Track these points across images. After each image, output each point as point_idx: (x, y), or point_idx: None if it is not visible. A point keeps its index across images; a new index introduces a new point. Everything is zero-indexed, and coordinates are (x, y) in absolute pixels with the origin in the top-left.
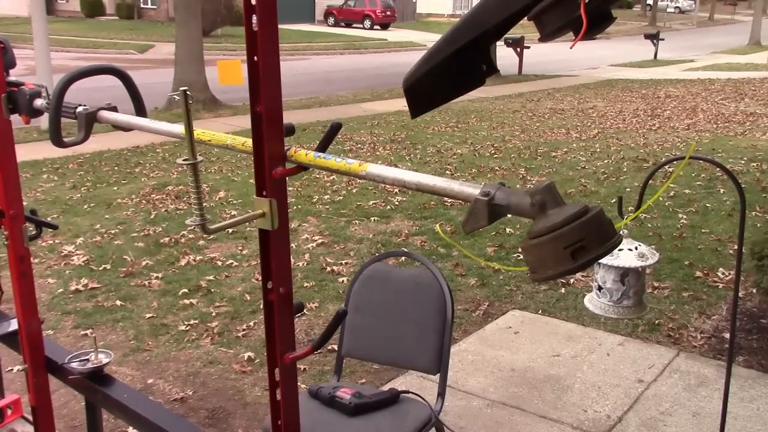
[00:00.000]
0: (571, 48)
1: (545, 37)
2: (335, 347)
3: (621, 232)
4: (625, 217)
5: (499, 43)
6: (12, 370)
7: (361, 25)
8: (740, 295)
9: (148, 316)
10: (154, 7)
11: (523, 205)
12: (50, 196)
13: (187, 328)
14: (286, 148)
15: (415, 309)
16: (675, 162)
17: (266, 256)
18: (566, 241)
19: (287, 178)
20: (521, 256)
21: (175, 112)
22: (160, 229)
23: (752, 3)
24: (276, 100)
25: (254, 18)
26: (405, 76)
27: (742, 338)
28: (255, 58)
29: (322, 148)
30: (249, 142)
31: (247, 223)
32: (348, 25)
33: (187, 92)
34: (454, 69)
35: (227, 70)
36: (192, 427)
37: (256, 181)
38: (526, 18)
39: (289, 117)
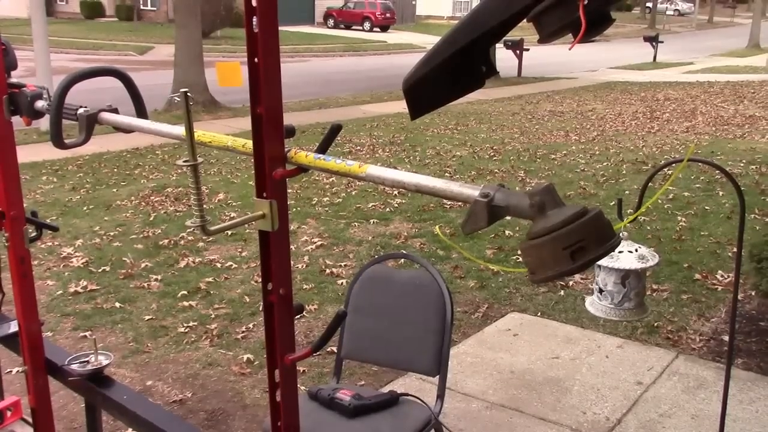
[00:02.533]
0: (570, 49)
1: (544, 39)
2: (335, 349)
3: (620, 234)
4: (624, 219)
5: (499, 45)
6: (11, 371)
7: (360, 27)
8: (739, 297)
9: (147, 318)
10: (154, 8)
11: (523, 206)
12: (50, 198)
13: (187, 330)
14: (286, 149)
15: (414, 311)
16: (674, 165)
17: (266, 257)
18: (565, 242)
19: (287, 180)
20: (520, 259)
21: (174, 113)
22: (160, 231)
23: (751, 5)
24: (276, 102)
25: (255, 20)
26: (404, 78)
27: (741, 340)
28: (255, 59)
29: (322, 149)
30: (249, 143)
31: (247, 225)
32: (348, 27)
33: (188, 94)
34: (454, 70)
35: (226, 72)
36: (191, 429)
37: (256, 183)
38: (525, 19)
39: (288, 119)
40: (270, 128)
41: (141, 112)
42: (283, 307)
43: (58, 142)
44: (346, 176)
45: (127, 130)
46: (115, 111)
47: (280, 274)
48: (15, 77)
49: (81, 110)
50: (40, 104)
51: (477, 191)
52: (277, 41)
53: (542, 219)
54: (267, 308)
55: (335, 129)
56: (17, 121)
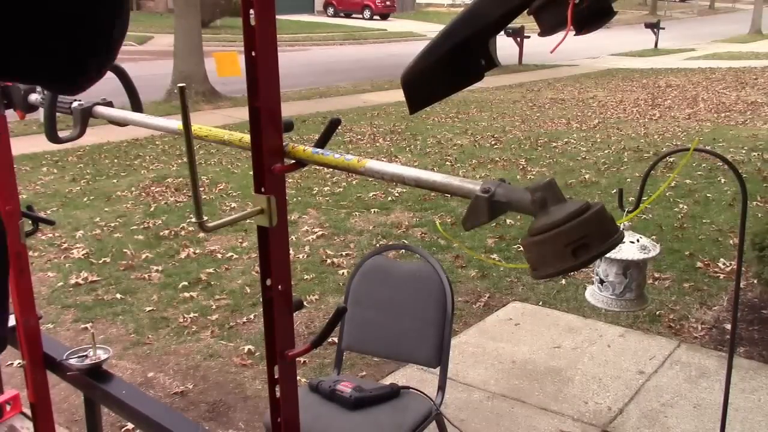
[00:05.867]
0: (551, 52)
1: (545, 33)
2: (336, 340)
3: (622, 226)
4: (626, 212)
5: (499, 33)
6: (12, 364)
7: (360, 16)
8: (741, 286)
9: (148, 309)
10: None
11: (524, 201)
12: (50, 189)
13: (187, 322)
14: (284, 144)
15: (415, 302)
16: (674, 154)
17: (265, 253)
18: (567, 239)
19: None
20: (522, 249)
21: (174, 104)
22: (160, 222)
23: None
24: (274, 96)
25: (252, 12)
26: (403, 72)
27: (743, 329)
28: (253, 53)
29: (321, 144)
30: (246, 137)
31: None
32: (347, 16)
33: (185, 89)
34: (453, 64)
35: (225, 62)
36: (190, 423)
37: (255, 178)
38: (525, 12)
39: (288, 108)
40: (268, 123)
41: (136, 105)
42: (282, 302)
43: (53, 137)
44: (345, 171)
45: (122, 123)
46: (110, 104)
47: (279, 270)
48: None
49: (75, 104)
50: (33, 97)
51: (478, 186)
52: (275, 34)
53: (544, 215)
54: (266, 304)
55: (334, 123)
56: (12, 113)
